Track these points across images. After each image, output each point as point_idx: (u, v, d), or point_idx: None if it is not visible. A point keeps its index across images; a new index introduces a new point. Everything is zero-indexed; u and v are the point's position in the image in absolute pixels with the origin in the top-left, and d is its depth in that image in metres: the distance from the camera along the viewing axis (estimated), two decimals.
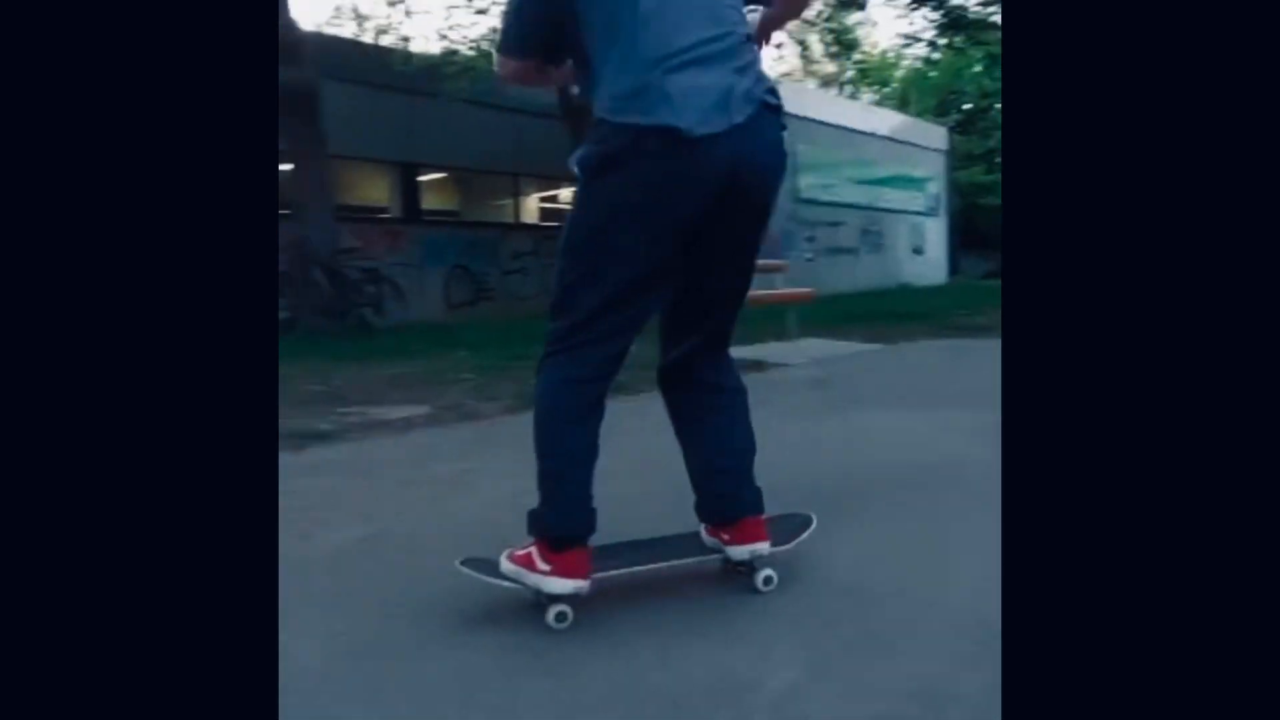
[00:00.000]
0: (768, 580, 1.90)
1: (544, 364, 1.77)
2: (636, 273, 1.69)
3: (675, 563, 1.91)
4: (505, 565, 1.79)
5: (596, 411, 1.77)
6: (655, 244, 1.67)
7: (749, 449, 1.92)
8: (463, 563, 1.87)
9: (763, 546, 1.88)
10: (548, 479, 1.75)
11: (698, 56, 1.61)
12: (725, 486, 1.89)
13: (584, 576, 1.74)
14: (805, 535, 2.00)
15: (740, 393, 1.93)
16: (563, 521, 1.73)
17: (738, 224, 1.74)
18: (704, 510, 1.94)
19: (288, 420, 3.89)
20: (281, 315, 8.76)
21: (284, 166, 9.62)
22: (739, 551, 1.88)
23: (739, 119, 1.60)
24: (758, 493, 1.90)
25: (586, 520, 1.75)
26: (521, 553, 1.78)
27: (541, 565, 1.73)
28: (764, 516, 1.91)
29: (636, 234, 1.66)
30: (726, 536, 1.89)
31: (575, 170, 1.69)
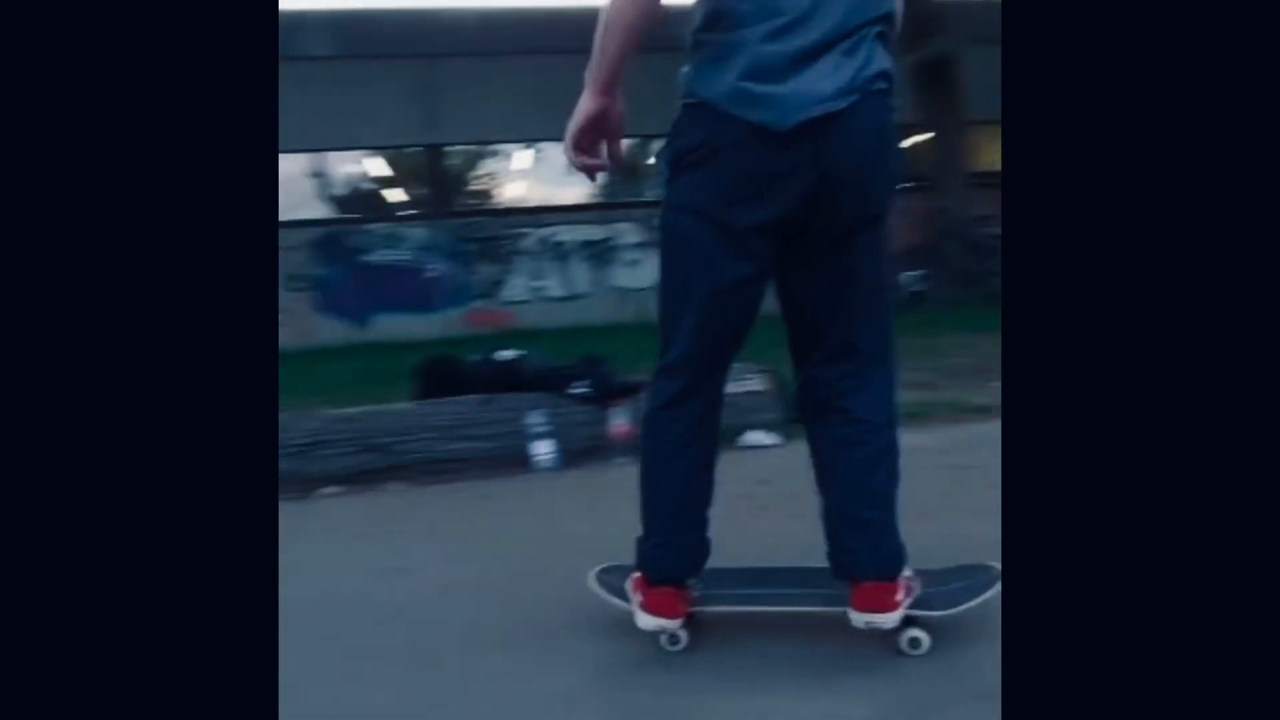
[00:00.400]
0: (914, 643, 1.58)
1: (650, 388, 1.65)
2: (721, 281, 1.51)
3: (788, 608, 1.70)
4: (627, 581, 1.71)
5: (701, 437, 1.62)
6: (739, 249, 1.49)
7: (882, 497, 1.58)
8: (600, 572, 1.83)
9: (886, 618, 1.54)
10: (646, 511, 1.64)
11: (804, 48, 1.40)
12: (848, 540, 1.58)
13: (673, 616, 1.63)
14: (980, 599, 1.59)
15: (883, 429, 1.59)
16: (655, 559, 1.63)
17: (834, 224, 1.50)
18: (831, 563, 1.61)
19: (943, 392, 3.98)
20: (917, 288, 8.99)
21: (923, 136, 9.79)
22: (856, 619, 1.56)
23: (826, 109, 1.39)
24: (892, 551, 1.56)
25: (684, 560, 1.64)
26: (637, 574, 1.69)
27: (636, 595, 1.66)
28: (903, 579, 1.56)
29: (717, 237, 1.49)
30: (852, 597, 1.57)
31: (662, 168, 1.55)
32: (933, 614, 1.60)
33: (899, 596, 1.55)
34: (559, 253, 11.37)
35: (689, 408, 1.60)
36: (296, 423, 3.41)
